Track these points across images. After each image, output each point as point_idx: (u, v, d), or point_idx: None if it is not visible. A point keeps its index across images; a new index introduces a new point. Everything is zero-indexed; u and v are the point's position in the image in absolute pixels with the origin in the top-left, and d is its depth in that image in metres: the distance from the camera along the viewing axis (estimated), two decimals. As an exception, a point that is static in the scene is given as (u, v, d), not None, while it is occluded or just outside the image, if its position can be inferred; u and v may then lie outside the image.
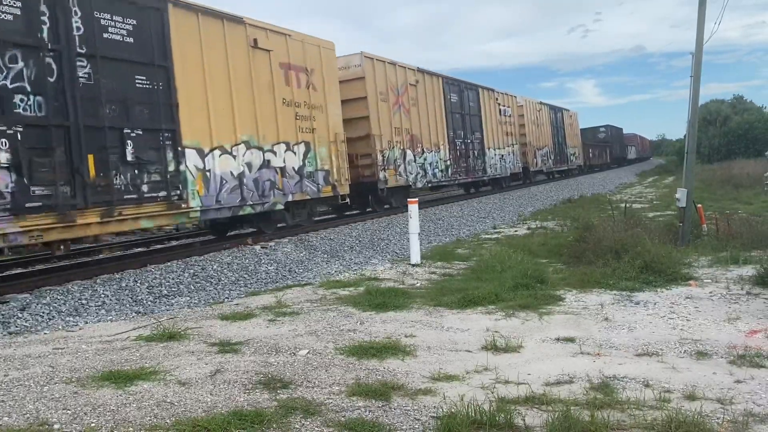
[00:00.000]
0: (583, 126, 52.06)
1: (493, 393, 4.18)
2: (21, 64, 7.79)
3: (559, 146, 36.55)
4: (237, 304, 7.61)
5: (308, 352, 5.25)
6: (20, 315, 7.07)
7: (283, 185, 12.76)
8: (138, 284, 8.62)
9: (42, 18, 8.06)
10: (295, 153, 13.19)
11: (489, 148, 24.89)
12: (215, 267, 9.87)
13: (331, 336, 5.80)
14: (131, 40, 9.37)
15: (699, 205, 12.09)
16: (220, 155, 11.02)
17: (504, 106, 27.45)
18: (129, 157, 9.16)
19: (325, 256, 11.66)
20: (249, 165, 11.78)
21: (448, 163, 21.16)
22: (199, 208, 10.59)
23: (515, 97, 29.61)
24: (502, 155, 26.70)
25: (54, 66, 8.18)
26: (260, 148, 12.08)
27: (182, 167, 10.15)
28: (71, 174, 8.30)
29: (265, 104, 12.28)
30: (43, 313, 7.22)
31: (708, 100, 60.64)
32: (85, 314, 7.36)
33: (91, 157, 8.55)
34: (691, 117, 11.75)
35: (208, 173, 10.75)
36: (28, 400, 4.12)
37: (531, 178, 32.05)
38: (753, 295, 6.91)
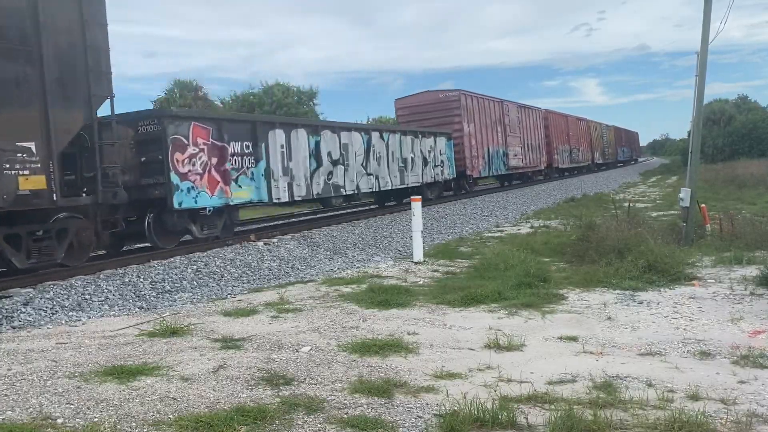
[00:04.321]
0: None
1: (495, 391, 4.18)
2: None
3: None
4: (240, 301, 7.62)
5: (311, 349, 5.26)
6: (23, 309, 7.08)
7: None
8: (141, 280, 8.63)
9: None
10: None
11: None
12: (218, 263, 9.88)
13: (334, 333, 5.80)
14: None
15: (702, 205, 12.06)
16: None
17: None
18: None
19: (328, 253, 11.67)
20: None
21: None
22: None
23: None
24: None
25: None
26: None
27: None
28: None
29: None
30: (46, 307, 7.23)
31: (712, 99, 60.38)
32: (89, 309, 7.37)
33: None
34: (696, 116, 11.71)
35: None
36: (31, 395, 4.14)
37: None
38: (756, 296, 6.90)
